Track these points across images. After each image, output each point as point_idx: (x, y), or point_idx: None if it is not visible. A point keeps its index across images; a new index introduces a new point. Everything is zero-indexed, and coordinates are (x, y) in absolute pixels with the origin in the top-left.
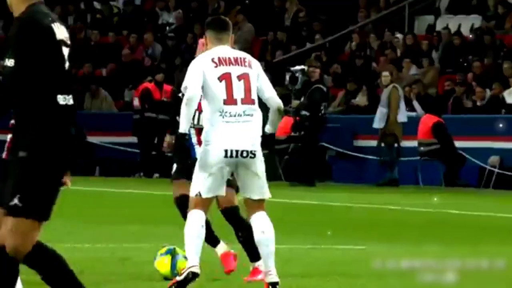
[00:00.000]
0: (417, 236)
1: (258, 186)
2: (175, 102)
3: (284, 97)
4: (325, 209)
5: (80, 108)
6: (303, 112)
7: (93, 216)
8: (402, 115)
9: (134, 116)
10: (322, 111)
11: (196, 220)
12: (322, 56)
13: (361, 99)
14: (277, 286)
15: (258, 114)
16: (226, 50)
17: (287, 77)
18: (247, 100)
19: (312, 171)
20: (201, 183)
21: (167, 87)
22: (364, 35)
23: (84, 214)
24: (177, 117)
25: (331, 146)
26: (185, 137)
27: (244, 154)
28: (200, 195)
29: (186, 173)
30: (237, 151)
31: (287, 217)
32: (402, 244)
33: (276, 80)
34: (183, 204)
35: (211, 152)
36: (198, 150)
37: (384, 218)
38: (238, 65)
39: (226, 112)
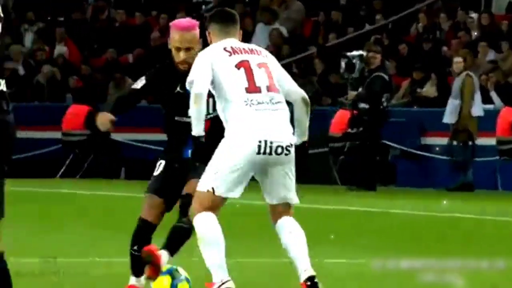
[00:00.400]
0: (496, 250)
1: (290, 189)
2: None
3: (339, 87)
4: (387, 218)
5: (103, 100)
6: (362, 105)
7: (118, 225)
8: (478, 108)
9: None
10: (384, 104)
11: (207, 221)
12: (384, 40)
13: (429, 90)
14: (316, 280)
15: (285, 105)
16: (237, 42)
17: (343, 64)
18: (271, 88)
19: (373, 173)
20: (218, 177)
21: None
22: (433, 15)
23: (108, 222)
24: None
25: (395, 144)
26: (201, 140)
27: (279, 150)
28: (213, 191)
29: (164, 188)
30: (271, 146)
31: (343, 227)
32: (478, 259)
33: (329, 68)
34: (143, 231)
35: (240, 145)
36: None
37: (456, 228)
38: (255, 54)
39: (251, 100)
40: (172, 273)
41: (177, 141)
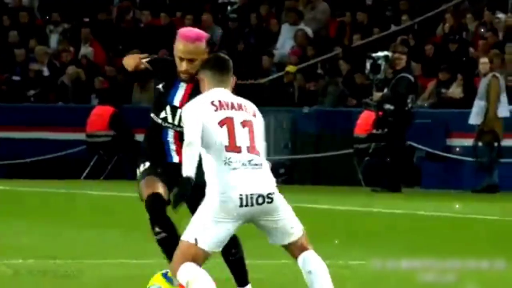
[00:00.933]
0: None
1: (289, 228)
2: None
3: (365, 87)
4: (412, 219)
5: (128, 102)
6: (387, 106)
7: (140, 227)
8: (503, 109)
9: None
10: (409, 105)
11: (194, 268)
12: (410, 40)
13: (455, 91)
14: None
15: (266, 165)
16: (227, 94)
17: (368, 65)
18: (252, 149)
19: (398, 175)
20: (202, 229)
21: None
22: (459, 15)
23: (130, 224)
24: None
25: (420, 146)
26: (190, 182)
27: (260, 200)
28: (196, 242)
29: (158, 174)
30: (252, 197)
31: (368, 228)
32: (508, 262)
33: (355, 68)
34: (155, 203)
35: (223, 200)
36: (175, 157)
37: (482, 230)
38: (242, 110)
39: (230, 159)
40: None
41: (154, 144)
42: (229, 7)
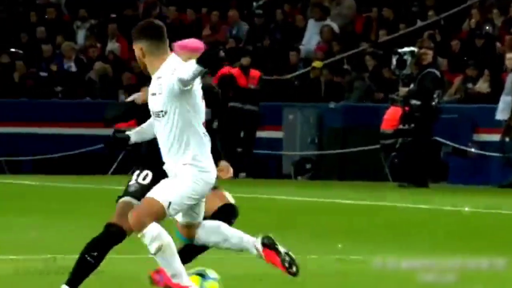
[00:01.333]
0: None
1: (203, 206)
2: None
3: (391, 83)
4: (439, 215)
5: None
6: (413, 101)
7: None
8: None
9: None
10: (436, 100)
11: (164, 233)
12: (436, 36)
13: (482, 86)
14: (272, 238)
15: None
16: None
17: (394, 61)
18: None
19: (424, 170)
20: (178, 197)
21: (255, 73)
22: (486, 11)
23: None
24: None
25: (447, 141)
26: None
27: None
28: (168, 206)
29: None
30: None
31: (394, 224)
32: None
33: (381, 64)
34: (113, 240)
35: (205, 181)
36: None
37: (509, 226)
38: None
39: (204, 133)
40: (201, 273)
41: (155, 151)
42: (254, 3)
